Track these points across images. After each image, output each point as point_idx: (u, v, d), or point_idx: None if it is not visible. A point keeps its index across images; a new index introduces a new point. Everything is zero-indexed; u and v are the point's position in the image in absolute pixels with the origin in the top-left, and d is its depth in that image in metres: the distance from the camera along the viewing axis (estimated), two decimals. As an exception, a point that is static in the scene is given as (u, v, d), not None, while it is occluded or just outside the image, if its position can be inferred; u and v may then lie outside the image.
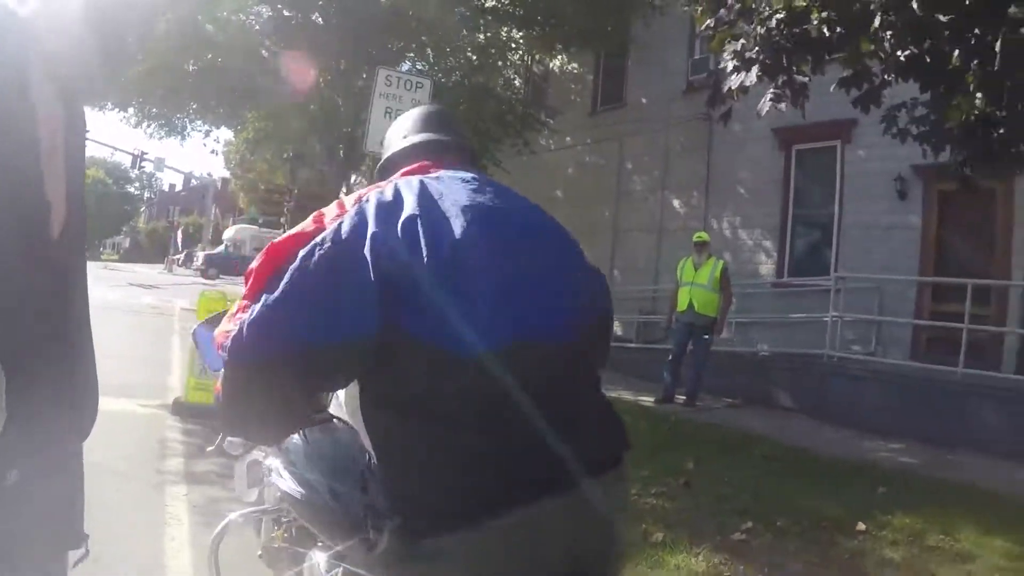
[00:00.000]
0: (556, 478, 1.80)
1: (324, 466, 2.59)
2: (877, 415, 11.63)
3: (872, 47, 7.70)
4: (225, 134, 27.81)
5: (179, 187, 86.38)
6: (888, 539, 6.39)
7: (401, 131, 2.44)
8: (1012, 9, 6.05)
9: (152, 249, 63.37)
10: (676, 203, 18.87)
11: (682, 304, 12.46)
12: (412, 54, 19.98)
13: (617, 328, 16.09)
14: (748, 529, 6.36)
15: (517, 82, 23.37)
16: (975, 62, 6.88)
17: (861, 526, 6.60)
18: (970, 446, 10.25)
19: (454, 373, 1.77)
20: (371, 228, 1.83)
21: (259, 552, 3.36)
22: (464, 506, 1.74)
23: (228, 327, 1.82)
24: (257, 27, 17.82)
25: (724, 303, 12.58)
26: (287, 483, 2.68)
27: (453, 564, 1.75)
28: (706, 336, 12.42)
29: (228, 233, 50.34)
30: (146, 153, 54.55)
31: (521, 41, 20.64)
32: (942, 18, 6.81)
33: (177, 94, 17.76)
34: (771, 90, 8.34)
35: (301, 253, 1.81)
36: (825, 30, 7.78)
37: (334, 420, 2.75)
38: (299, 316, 1.75)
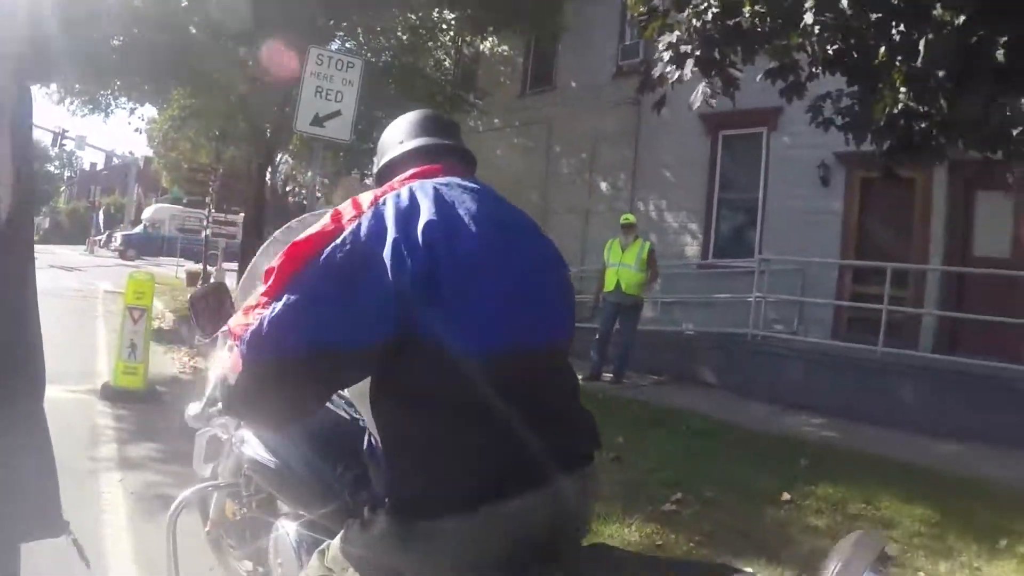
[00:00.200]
0: (544, 471, 1.93)
1: (303, 438, 2.68)
2: (800, 392, 11.95)
3: (801, 41, 7.90)
4: (150, 111, 27.25)
5: (100, 166, 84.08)
6: (812, 508, 6.62)
7: (398, 135, 2.47)
8: (936, 11, 6.26)
9: (73, 230, 61.85)
10: (604, 186, 19.03)
11: (609, 284, 12.63)
12: (342, 33, 19.78)
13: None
14: (678, 500, 6.52)
15: (447, 63, 23.23)
16: (899, 59, 7.11)
17: (786, 496, 6.83)
18: (889, 421, 10.61)
19: (461, 372, 1.85)
20: (391, 232, 1.87)
21: (207, 530, 3.39)
22: (460, 493, 1.85)
23: (246, 320, 1.86)
24: (185, 3, 17.50)
25: (650, 278, 12.81)
26: (258, 452, 2.75)
27: (445, 545, 1.86)
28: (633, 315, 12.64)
29: (147, 212, 48.97)
30: (67, 131, 53.08)
31: (452, 22, 20.54)
32: (870, 16, 7.03)
33: (102, 71, 17.37)
34: (703, 84, 8.49)
35: (322, 254, 1.85)
36: (757, 23, 7.98)
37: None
38: (319, 317, 1.80)
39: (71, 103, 20.47)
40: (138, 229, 46.86)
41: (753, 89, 9.16)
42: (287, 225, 3.23)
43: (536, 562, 1.89)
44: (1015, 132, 6.25)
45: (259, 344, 1.80)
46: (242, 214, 25.22)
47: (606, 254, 12.86)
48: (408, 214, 1.93)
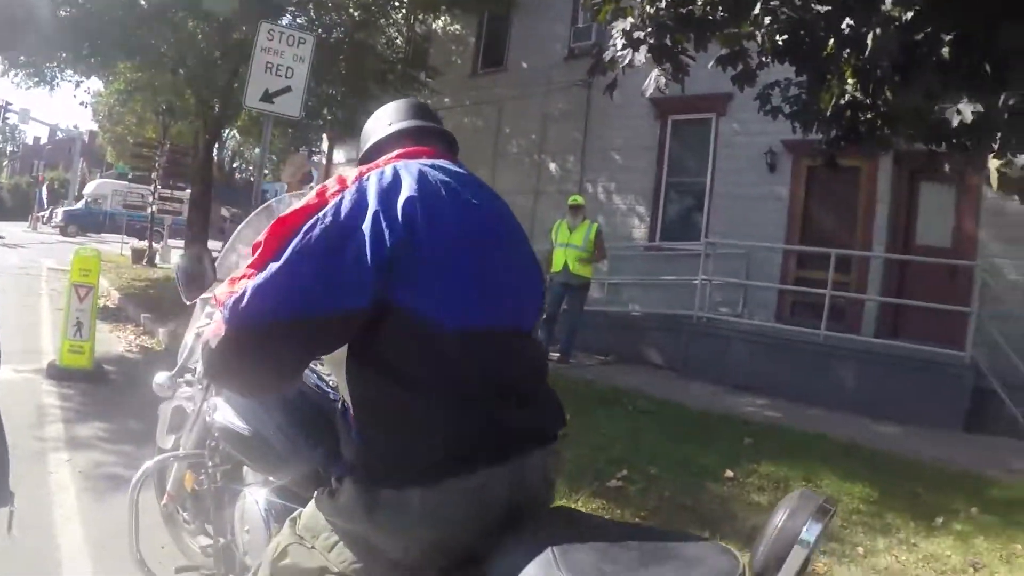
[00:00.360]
0: (509, 447, 2.00)
1: (277, 406, 2.73)
2: (744, 373, 12.19)
3: (752, 29, 8.00)
4: (96, 85, 26.79)
5: (44, 140, 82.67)
6: (755, 485, 6.75)
7: (385, 119, 2.51)
8: (885, 6, 6.37)
9: (16, 206, 60.56)
10: (553, 167, 19.06)
11: (557, 265, 12.68)
12: (293, 8, 19.61)
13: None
14: (624, 477, 6.61)
15: (399, 41, 23.10)
16: (847, 51, 7.23)
17: (729, 473, 6.98)
18: (830, 402, 10.89)
19: (433, 345, 1.92)
20: (372, 206, 1.93)
21: (163, 503, 3.40)
22: (424, 466, 1.92)
23: (231, 289, 1.90)
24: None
25: (597, 258, 12.93)
26: (231, 419, 2.79)
27: (408, 514, 1.92)
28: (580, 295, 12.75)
29: (89, 188, 47.65)
30: (10, 104, 52.04)
31: (404, 0, 20.46)
32: (820, 9, 7.15)
33: (48, 42, 17.05)
34: (656, 71, 8.56)
35: (304, 226, 1.91)
36: (708, 11, 8.07)
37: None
38: (298, 285, 1.85)
39: (15, 75, 20.06)
40: (79, 205, 45.62)
41: (704, 75, 9.25)
42: (273, 200, 3.29)
43: (497, 530, 1.93)
44: (955, 125, 6.36)
45: (241, 311, 1.84)
46: (188, 190, 24.93)
47: (553, 235, 12.91)
48: (390, 190, 1.98)
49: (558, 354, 12.63)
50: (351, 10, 19.63)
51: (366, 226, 1.91)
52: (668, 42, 8.38)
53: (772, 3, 7.30)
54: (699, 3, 8.07)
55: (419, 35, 23.51)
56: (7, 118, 53.55)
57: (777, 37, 7.83)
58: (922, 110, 6.60)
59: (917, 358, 11.25)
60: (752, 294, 14.74)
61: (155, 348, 11.34)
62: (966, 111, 6.12)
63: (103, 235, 38.58)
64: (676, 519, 5.76)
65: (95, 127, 55.06)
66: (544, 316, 12.81)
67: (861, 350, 11.79)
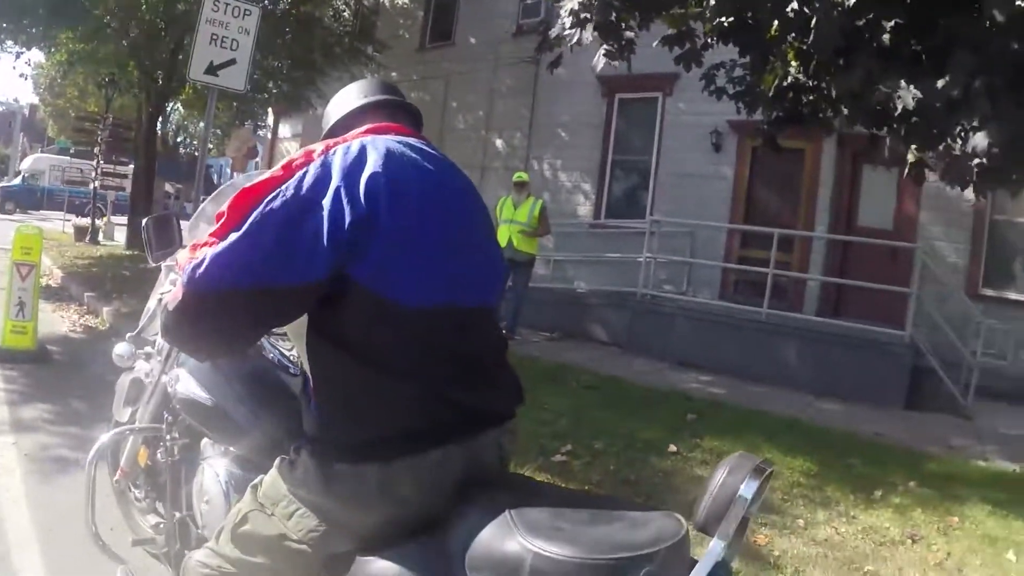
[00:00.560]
0: (465, 426, 2.03)
1: (238, 377, 2.75)
2: (688, 350, 12.29)
3: (698, 10, 8.05)
4: (37, 56, 26.27)
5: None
6: (698, 459, 6.83)
7: (352, 95, 2.51)
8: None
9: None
10: (499, 143, 19.08)
11: (501, 241, 12.63)
12: (241, -23, 19.34)
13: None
14: (568, 451, 6.66)
15: (346, 14, 22.94)
16: (792, 35, 7.30)
17: (673, 448, 7.05)
18: (773, 379, 11.07)
19: (393, 322, 1.94)
20: (335, 180, 1.93)
21: (115, 479, 3.37)
22: (380, 442, 1.95)
23: (192, 255, 1.92)
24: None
25: (540, 234, 12.94)
26: (193, 389, 2.78)
27: (362, 488, 1.96)
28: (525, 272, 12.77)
29: (26, 163, 46.13)
30: (-55, 76, 51.12)
31: (352, -30, 20.29)
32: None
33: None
34: (603, 48, 8.59)
35: (266, 198, 1.91)
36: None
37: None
38: (256, 255, 1.86)
39: (-50, 46, 19.65)
40: (16, 181, 44.49)
41: (651, 54, 9.29)
42: (242, 175, 3.30)
43: (454, 499, 1.98)
44: (894, 108, 6.46)
45: (199, 277, 1.86)
46: (131, 165, 24.58)
47: (498, 211, 12.88)
48: (354, 165, 1.98)
49: (504, 330, 12.60)
50: (298, -21, 19.44)
51: (327, 201, 1.91)
52: (614, 19, 8.40)
53: None
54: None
55: (367, 8, 23.32)
56: (-58, 91, 52.40)
57: (721, 18, 7.88)
58: (862, 94, 6.68)
59: (858, 337, 11.45)
60: (696, 272, 14.90)
61: (99, 327, 11.17)
62: (907, 96, 6.22)
63: (43, 212, 37.79)
64: (620, 492, 5.82)
65: (36, 100, 54.13)
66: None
67: (803, 328, 11.96)
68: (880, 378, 10.79)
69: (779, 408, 9.33)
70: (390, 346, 1.96)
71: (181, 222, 3.39)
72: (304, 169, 1.98)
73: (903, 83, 6.31)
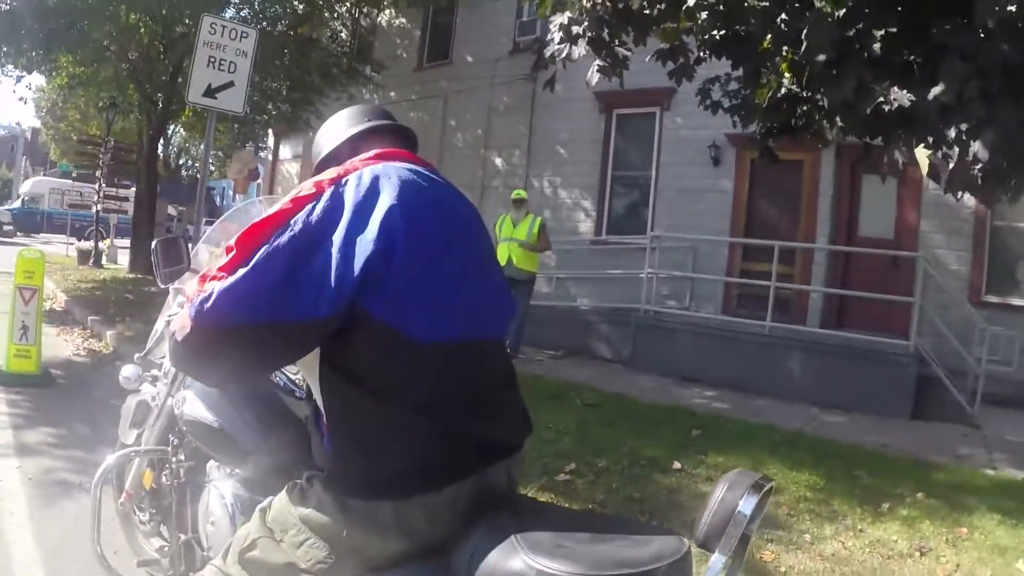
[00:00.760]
0: (476, 461, 2.03)
1: (246, 401, 2.76)
2: (691, 365, 12.25)
3: (690, 24, 8.06)
4: (38, 80, 26.32)
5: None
6: (702, 475, 6.80)
7: (344, 123, 2.51)
8: (819, 3, 6.44)
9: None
10: (499, 161, 19.08)
11: (501, 259, 12.59)
12: (237, 1, 19.44)
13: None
14: (572, 470, 6.63)
15: (344, 34, 22.97)
16: (784, 48, 7.32)
17: (677, 464, 7.02)
18: (778, 393, 11.04)
19: (408, 357, 1.93)
20: (347, 214, 1.94)
21: (120, 500, 3.37)
22: (394, 481, 1.94)
23: (200, 287, 1.91)
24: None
25: (539, 250, 12.89)
26: (199, 412, 2.80)
27: (377, 523, 1.95)
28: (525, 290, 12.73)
29: (25, 187, 46.25)
30: (-53, 100, 51.30)
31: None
32: (756, 4, 7.21)
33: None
34: (596, 64, 8.60)
35: (275, 233, 1.90)
36: (645, 5, 8.12)
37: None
38: (263, 291, 1.85)
39: (-48, 70, 19.68)
40: (15, 204, 44.15)
41: (648, 69, 9.30)
42: (256, 199, 3.32)
43: (463, 524, 1.97)
44: (887, 117, 6.47)
45: (207, 311, 1.86)
46: (133, 188, 24.63)
47: (497, 229, 12.85)
48: (368, 198, 1.97)
49: (507, 350, 12.56)
50: (295, 3, 19.48)
51: (337, 236, 1.90)
52: (606, 36, 8.42)
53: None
54: (637, -3, 8.13)
55: (364, 29, 23.41)
56: (-55, 115, 52.64)
57: (714, 32, 7.90)
58: (855, 103, 6.68)
59: (862, 348, 11.42)
60: (698, 287, 14.87)
61: (103, 351, 11.17)
62: (902, 97, 6.22)
63: (45, 235, 37.82)
64: (624, 511, 5.78)
65: (38, 124, 54.25)
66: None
67: (807, 341, 11.93)
68: (885, 388, 10.75)
69: (784, 422, 9.30)
70: (405, 381, 1.95)
71: (189, 244, 3.40)
72: (313, 202, 1.97)
73: (895, 89, 6.32)
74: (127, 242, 24.23)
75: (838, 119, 7.79)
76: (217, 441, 2.77)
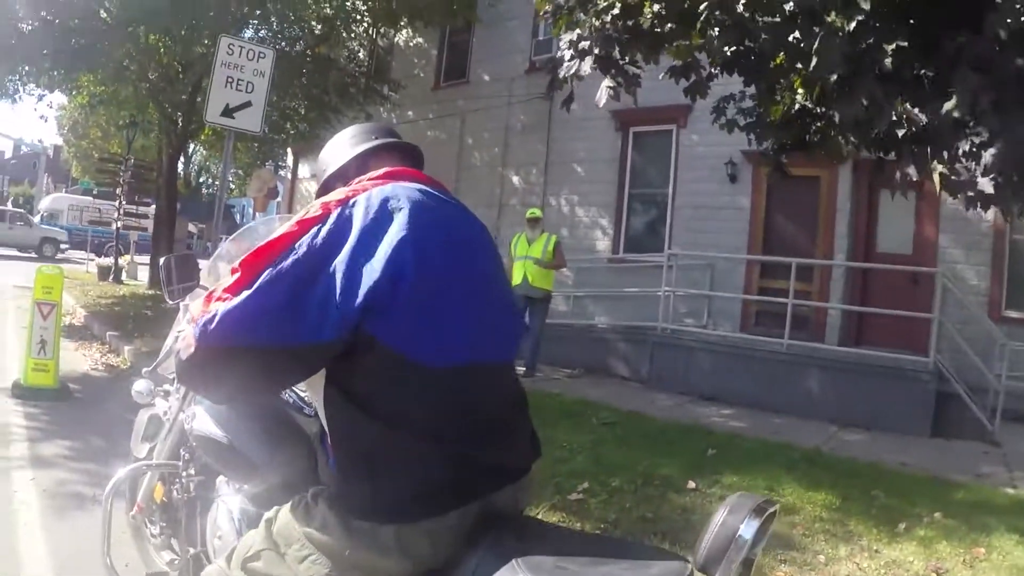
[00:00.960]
0: (483, 486, 2.02)
1: (254, 417, 2.77)
2: (709, 383, 12.23)
3: (701, 41, 8.05)
4: (59, 99, 26.60)
5: (8, 154, 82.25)
6: (717, 495, 6.74)
7: (348, 142, 2.52)
8: (830, 18, 6.42)
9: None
10: (516, 180, 19.07)
11: (516, 278, 12.62)
12: (256, 21, 19.54)
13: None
14: (585, 489, 6.58)
15: (361, 54, 23.15)
16: (798, 64, 7.30)
17: (692, 484, 6.96)
18: (796, 411, 10.99)
19: (414, 382, 1.92)
20: (352, 238, 1.93)
21: (131, 513, 3.39)
22: (401, 501, 1.93)
23: (205, 308, 1.92)
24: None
25: (555, 267, 12.87)
26: (208, 427, 2.81)
27: (381, 545, 1.94)
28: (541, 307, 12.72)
29: (44, 203, 47.03)
30: (-29, 118, 51.87)
31: (366, 13, 20.42)
32: (766, 19, 7.19)
33: (10, 55, 16.90)
34: (606, 82, 8.59)
35: (279, 255, 1.91)
36: (657, 23, 8.11)
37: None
38: (265, 314, 1.85)
39: (-25, 88, 19.89)
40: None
41: (663, 87, 9.31)
42: (261, 220, 3.35)
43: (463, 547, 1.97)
44: (900, 134, 6.43)
45: (210, 333, 1.87)
46: (153, 206, 24.79)
47: (512, 248, 12.89)
48: (376, 223, 1.97)
49: (523, 368, 12.59)
50: (313, 23, 19.58)
51: (343, 259, 1.90)
52: (617, 55, 8.42)
53: (718, 15, 7.33)
54: (647, 16, 8.10)
55: (381, 48, 23.52)
56: (-31, 132, 53.18)
57: (725, 48, 7.89)
58: (866, 119, 6.65)
59: (881, 365, 11.34)
60: (716, 305, 14.83)
61: (120, 366, 11.26)
62: (915, 115, 6.19)
63: (65, 252, 38.06)
64: (636, 531, 5.75)
65: (60, 141, 54.74)
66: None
67: (825, 358, 11.86)
68: (905, 406, 10.67)
69: (802, 440, 9.22)
70: (411, 406, 1.94)
71: (200, 261, 3.43)
72: (319, 224, 1.96)
73: (907, 106, 6.28)
74: (147, 258, 24.38)
75: (851, 136, 7.76)
76: (226, 456, 2.77)
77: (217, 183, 45.27)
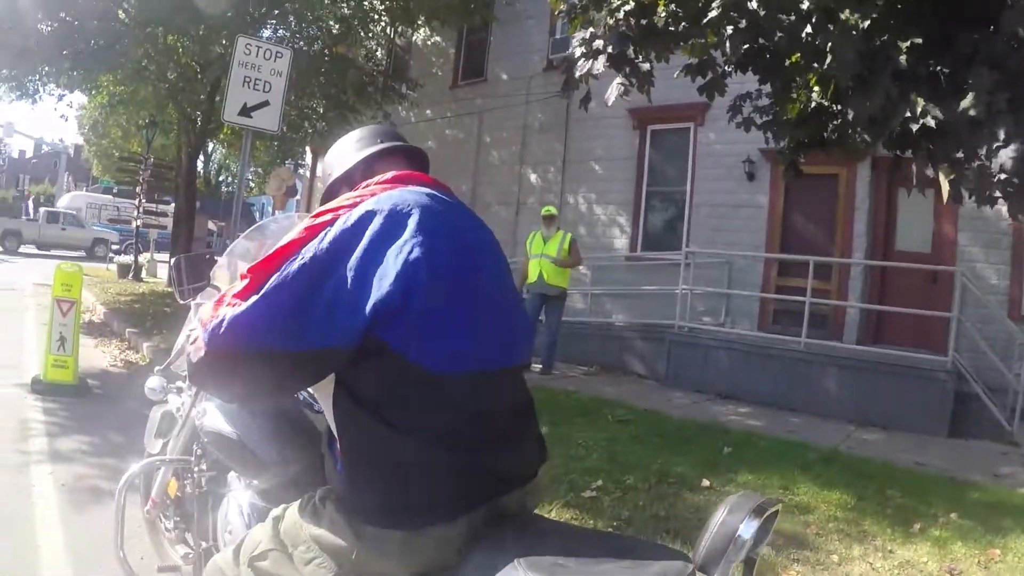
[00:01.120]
0: (491, 491, 2.01)
1: (265, 415, 2.78)
2: (726, 382, 12.20)
3: (716, 39, 8.03)
4: (79, 98, 26.76)
5: (30, 154, 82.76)
6: (731, 493, 6.67)
7: (356, 144, 2.52)
8: (845, 15, 6.39)
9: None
10: (533, 178, 19.12)
11: (532, 276, 12.67)
12: (274, 21, 19.61)
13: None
14: (598, 487, 6.57)
15: (379, 53, 23.20)
16: (815, 63, 7.27)
17: (706, 482, 6.93)
18: (813, 410, 10.96)
19: (423, 388, 1.92)
20: (362, 245, 1.94)
21: (146, 508, 3.42)
22: (409, 508, 1.94)
23: (214, 312, 1.93)
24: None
25: (570, 265, 12.89)
26: (219, 424, 2.83)
27: (389, 549, 1.94)
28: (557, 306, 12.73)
29: (62, 201, 47.23)
30: (-7, 117, 52.20)
31: (384, 12, 20.47)
32: (781, 18, 7.16)
33: (30, 55, 17.02)
34: (618, 80, 8.58)
35: (287, 261, 1.92)
36: (671, 22, 8.10)
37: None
38: (272, 319, 1.86)
39: (-3, 88, 20.04)
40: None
41: (680, 85, 9.28)
42: (270, 219, 3.36)
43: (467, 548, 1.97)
44: (915, 129, 6.39)
45: (219, 338, 1.88)
46: (173, 204, 24.91)
47: (528, 246, 12.91)
48: (386, 227, 1.97)
49: (540, 366, 12.60)
50: (331, 23, 19.64)
51: (352, 265, 1.90)
52: (630, 53, 8.41)
53: (732, 13, 7.31)
54: (661, 14, 8.09)
55: (399, 47, 23.58)
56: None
57: (739, 47, 7.87)
58: (882, 117, 6.61)
59: (899, 364, 11.27)
60: (733, 303, 14.81)
61: (139, 363, 11.32)
62: (931, 112, 6.15)
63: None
64: (649, 529, 5.72)
65: (80, 141, 54.98)
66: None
67: (843, 357, 11.79)
68: (922, 405, 10.61)
69: (818, 439, 9.19)
70: (420, 412, 1.94)
71: (218, 259, 3.45)
72: (327, 229, 1.97)
73: (922, 102, 6.24)
74: (166, 256, 24.51)
75: (866, 133, 7.73)
76: (236, 453, 2.78)
77: (236, 181, 45.41)
